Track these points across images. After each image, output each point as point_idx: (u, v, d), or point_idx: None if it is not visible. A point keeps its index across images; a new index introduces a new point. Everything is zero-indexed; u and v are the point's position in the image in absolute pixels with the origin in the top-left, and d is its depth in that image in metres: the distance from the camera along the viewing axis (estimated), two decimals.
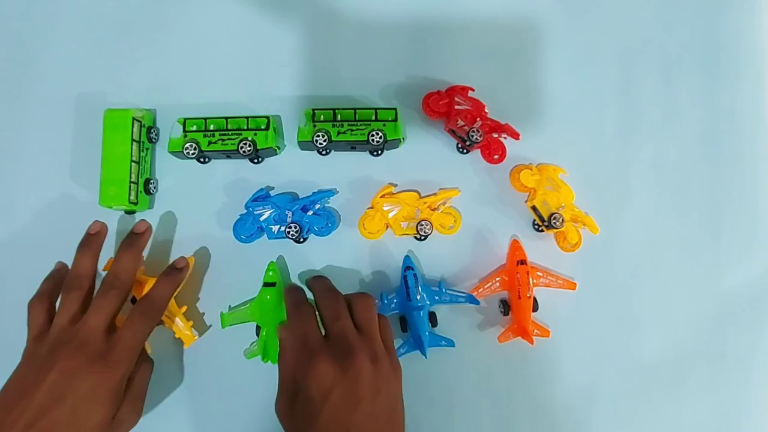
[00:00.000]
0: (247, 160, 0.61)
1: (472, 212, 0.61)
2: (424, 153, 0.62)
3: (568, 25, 0.64)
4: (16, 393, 0.47)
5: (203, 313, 0.60)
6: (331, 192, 0.60)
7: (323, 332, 0.51)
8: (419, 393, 0.59)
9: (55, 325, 0.51)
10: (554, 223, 0.58)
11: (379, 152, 0.61)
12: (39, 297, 0.54)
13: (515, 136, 0.60)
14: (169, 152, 0.60)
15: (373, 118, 0.58)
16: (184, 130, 0.59)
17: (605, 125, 0.63)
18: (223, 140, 0.58)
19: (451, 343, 0.58)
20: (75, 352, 0.48)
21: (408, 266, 0.58)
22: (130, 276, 0.54)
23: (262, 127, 0.59)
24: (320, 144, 0.58)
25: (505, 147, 0.60)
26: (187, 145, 0.58)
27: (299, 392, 0.49)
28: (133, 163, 0.58)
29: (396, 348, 0.58)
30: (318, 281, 0.56)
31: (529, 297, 0.57)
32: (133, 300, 0.57)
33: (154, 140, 0.61)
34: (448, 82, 0.61)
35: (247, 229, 0.59)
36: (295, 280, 0.60)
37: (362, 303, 0.53)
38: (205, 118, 0.59)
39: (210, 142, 0.58)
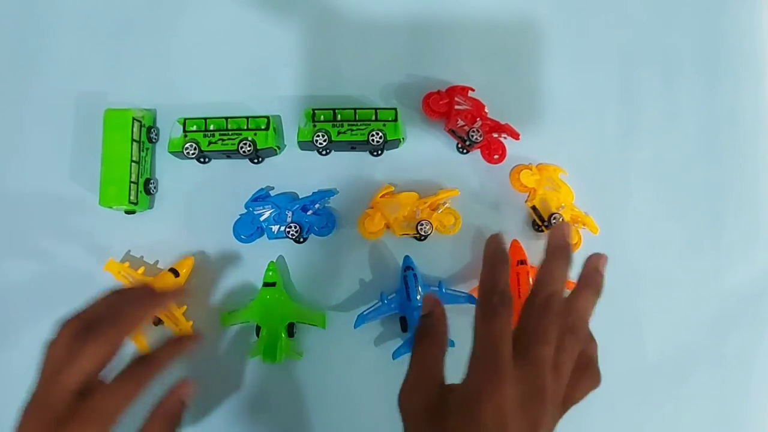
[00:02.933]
0: (247, 160, 0.61)
1: (472, 212, 0.61)
2: (424, 153, 0.62)
3: (568, 25, 0.64)
4: None
5: (203, 313, 0.60)
6: (331, 192, 0.60)
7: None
8: None
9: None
10: (554, 223, 0.58)
11: (379, 152, 0.61)
12: None
13: (515, 136, 0.60)
14: (169, 152, 0.60)
15: (373, 118, 0.58)
16: (184, 130, 0.59)
17: (605, 125, 0.63)
18: (223, 140, 0.58)
19: (451, 343, 0.58)
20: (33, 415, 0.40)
21: (408, 266, 0.58)
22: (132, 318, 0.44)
23: (262, 127, 0.59)
24: (320, 144, 0.58)
25: (505, 147, 0.60)
26: (187, 145, 0.58)
27: (449, 401, 0.36)
28: (133, 163, 0.58)
29: (396, 348, 0.58)
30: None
31: None
32: None
33: (154, 140, 0.61)
34: (448, 82, 0.61)
35: (247, 229, 0.59)
36: (295, 280, 0.60)
37: (583, 302, 0.39)
38: (205, 118, 0.59)
39: (210, 142, 0.58)
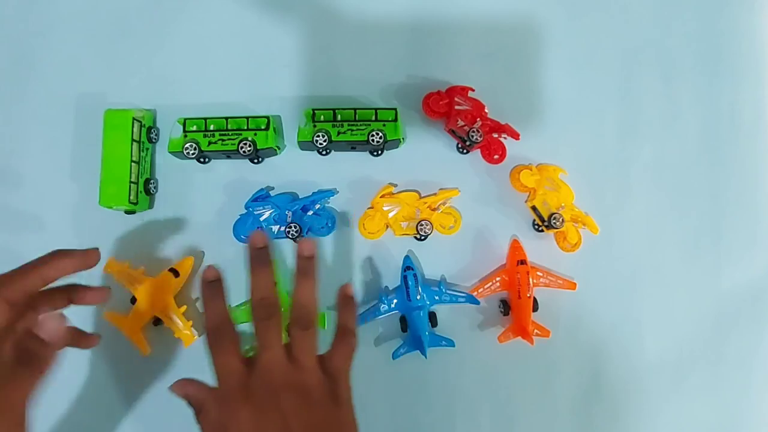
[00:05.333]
0: (247, 160, 0.61)
1: (472, 212, 0.61)
2: (424, 153, 0.62)
3: (569, 26, 0.64)
4: None
5: (203, 313, 0.60)
6: (331, 192, 0.60)
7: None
8: (419, 393, 0.59)
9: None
10: (554, 223, 0.58)
11: (379, 152, 0.61)
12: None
13: (515, 136, 0.60)
14: (169, 152, 0.60)
15: (373, 118, 0.58)
16: (184, 130, 0.59)
17: (605, 125, 0.63)
18: (223, 140, 0.58)
19: (451, 343, 0.58)
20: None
21: (408, 266, 0.58)
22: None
23: (262, 127, 0.59)
24: (320, 144, 0.58)
25: (505, 147, 0.60)
26: (187, 145, 0.58)
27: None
28: (133, 163, 0.58)
29: (396, 348, 0.58)
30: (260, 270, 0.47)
31: (529, 297, 0.57)
32: (133, 300, 0.57)
33: (154, 140, 0.61)
34: (448, 82, 0.62)
35: (247, 229, 0.59)
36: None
37: (302, 291, 0.46)
38: (205, 118, 0.59)
39: (210, 142, 0.58)
